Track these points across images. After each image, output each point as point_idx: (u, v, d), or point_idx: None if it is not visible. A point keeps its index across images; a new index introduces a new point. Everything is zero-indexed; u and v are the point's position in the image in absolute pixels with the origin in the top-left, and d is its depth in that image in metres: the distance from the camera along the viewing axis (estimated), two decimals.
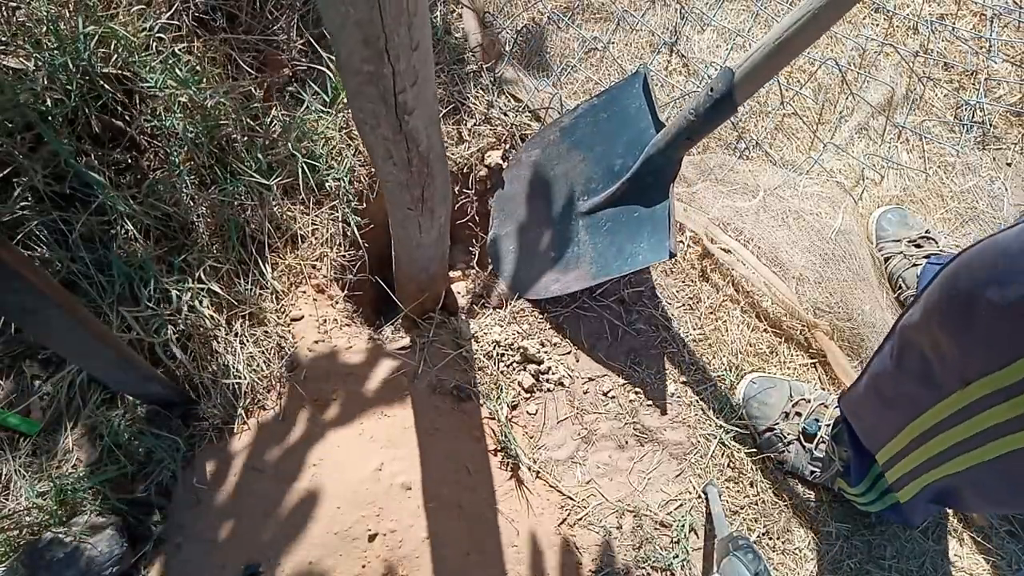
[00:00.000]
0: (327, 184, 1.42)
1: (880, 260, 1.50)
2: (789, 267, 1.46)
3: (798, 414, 1.29)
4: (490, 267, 1.52)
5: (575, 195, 1.42)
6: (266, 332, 1.31)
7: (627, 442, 1.32)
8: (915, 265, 1.43)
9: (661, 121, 1.28)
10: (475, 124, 1.56)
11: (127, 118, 1.31)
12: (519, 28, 1.68)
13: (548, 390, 1.34)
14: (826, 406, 1.29)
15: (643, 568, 1.23)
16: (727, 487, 1.31)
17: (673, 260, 1.47)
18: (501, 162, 1.54)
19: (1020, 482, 0.85)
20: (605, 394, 1.35)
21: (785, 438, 1.29)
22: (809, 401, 1.30)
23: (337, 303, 1.40)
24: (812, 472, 1.28)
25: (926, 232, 1.47)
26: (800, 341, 1.44)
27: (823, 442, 1.25)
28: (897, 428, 1.00)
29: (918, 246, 1.44)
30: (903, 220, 1.50)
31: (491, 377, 1.32)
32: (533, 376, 1.34)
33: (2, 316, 1.20)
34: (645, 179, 1.28)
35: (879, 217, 1.52)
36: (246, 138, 1.37)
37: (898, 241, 1.46)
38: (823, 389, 1.37)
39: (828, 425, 1.26)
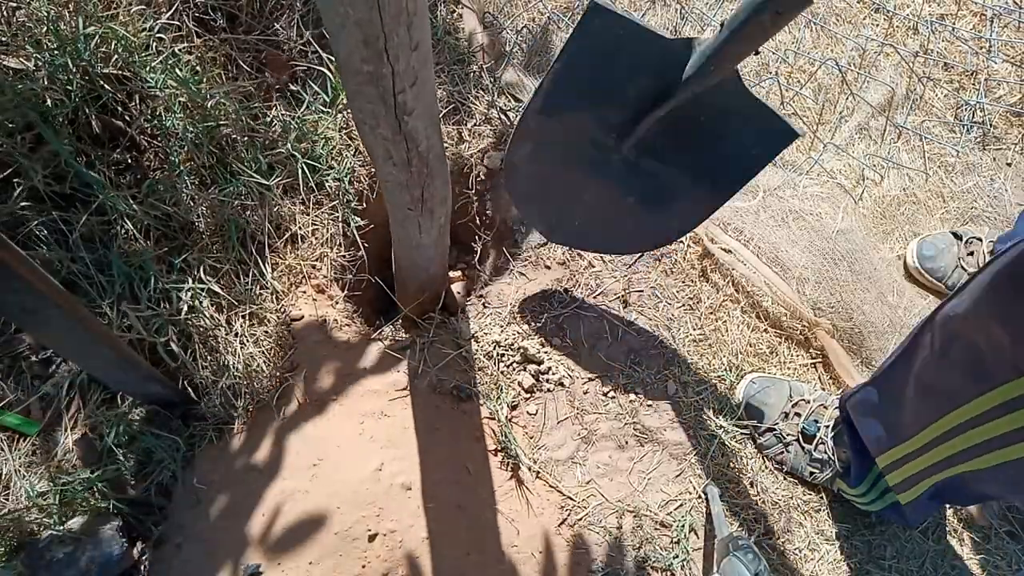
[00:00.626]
0: (327, 184, 1.42)
1: (933, 281, 1.47)
2: (789, 267, 1.46)
3: (797, 414, 1.29)
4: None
5: (609, 144, 1.19)
6: (266, 332, 1.31)
7: (627, 442, 1.32)
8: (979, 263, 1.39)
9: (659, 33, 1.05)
10: (475, 124, 1.56)
11: (127, 118, 1.31)
12: (520, 28, 1.68)
13: (548, 390, 1.34)
14: (825, 407, 1.28)
15: (643, 568, 1.23)
16: (727, 487, 1.31)
17: (673, 262, 1.47)
18: (500, 166, 1.54)
19: None
20: (605, 394, 1.35)
21: (784, 438, 1.29)
22: (809, 402, 1.29)
23: (337, 303, 1.40)
24: (811, 473, 1.28)
25: (967, 243, 1.44)
26: (800, 340, 1.44)
27: (822, 443, 1.25)
28: (920, 426, 0.98)
29: (971, 253, 1.43)
30: (943, 247, 1.47)
31: (491, 377, 1.32)
32: (533, 376, 1.34)
33: (2, 316, 1.20)
34: (701, 96, 1.09)
35: (919, 248, 1.49)
36: (246, 138, 1.37)
37: (948, 263, 1.43)
38: (823, 389, 1.37)
39: (828, 426, 1.26)
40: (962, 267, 1.43)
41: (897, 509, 1.18)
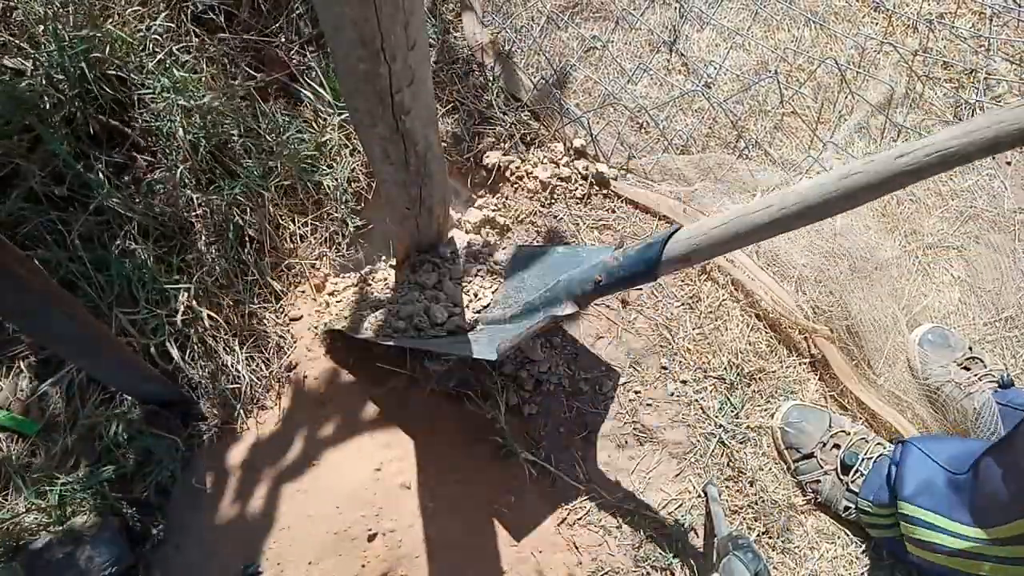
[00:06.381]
0: (325, 184, 1.42)
1: (929, 387, 1.37)
2: (788, 267, 1.46)
3: (836, 446, 1.28)
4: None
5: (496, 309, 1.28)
6: (265, 332, 1.31)
7: (627, 442, 1.32)
8: (969, 395, 1.30)
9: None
10: (474, 124, 1.56)
11: (125, 119, 1.31)
12: (518, 27, 1.68)
13: (548, 390, 1.34)
14: (866, 440, 1.26)
15: (643, 567, 1.23)
16: (727, 486, 1.31)
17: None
18: (498, 161, 1.54)
19: None
20: (605, 394, 1.35)
21: (821, 467, 1.28)
22: (848, 434, 1.28)
23: (337, 303, 1.40)
24: (846, 508, 1.25)
25: (969, 349, 1.37)
26: (799, 340, 1.44)
27: (860, 476, 1.24)
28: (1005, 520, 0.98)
29: (966, 368, 1.34)
30: (944, 341, 1.39)
31: (491, 377, 1.32)
32: (532, 376, 1.34)
33: (2, 316, 1.20)
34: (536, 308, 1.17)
35: (920, 339, 1.41)
36: (244, 139, 1.37)
37: (945, 367, 1.35)
38: (861, 425, 1.35)
39: (868, 459, 1.24)
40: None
41: (899, 544, 1.17)
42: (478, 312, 1.28)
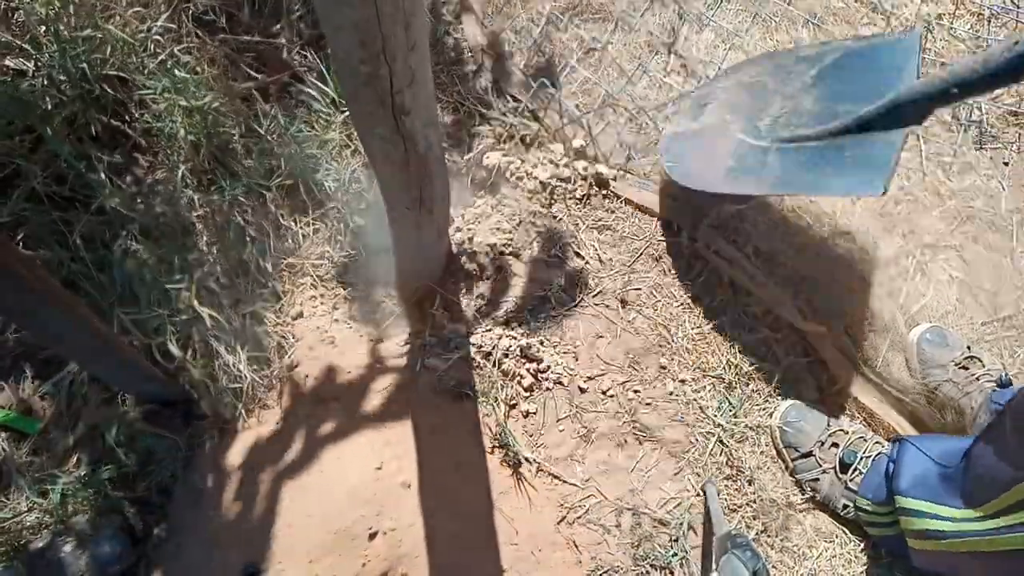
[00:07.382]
0: (327, 184, 1.43)
1: (928, 387, 1.37)
2: (787, 267, 1.47)
3: (835, 444, 1.28)
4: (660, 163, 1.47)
5: (783, 120, 1.31)
6: (266, 331, 1.31)
7: (626, 441, 1.33)
8: (967, 394, 1.31)
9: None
10: (474, 125, 1.56)
11: (126, 119, 1.32)
12: (518, 28, 1.68)
13: (547, 389, 1.35)
14: (864, 439, 1.27)
15: (642, 566, 1.24)
16: (725, 485, 1.31)
17: (672, 261, 1.46)
18: (499, 162, 1.54)
19: None
20: (604, 393, 1.35)
21: (820, 465, 1.28)
22: (847, 432, 1.29)
23: (338, 302, 1.41)
24: (844, 506, 1.26)
25: (967, 349, 1.37)
26: (798, 340, 1.44)
27: (859, 474, 1.25)
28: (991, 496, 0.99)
29: (964, 368, 1.35)
30: (942, 340, 1.39)
31: (490, 376, 1.33)
32: (532, 375, 1.35)
33: (3, 316, 1.20)
34: (875, 123, 1.14)
35: (918, 339, 1.41)
36: (245, 139, 1.37)
37: (943, 367, 1.36)
38: (861, 423, 1.35)
39: (867, 457, 1.25)
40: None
41: (902, 541, 1.18)
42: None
